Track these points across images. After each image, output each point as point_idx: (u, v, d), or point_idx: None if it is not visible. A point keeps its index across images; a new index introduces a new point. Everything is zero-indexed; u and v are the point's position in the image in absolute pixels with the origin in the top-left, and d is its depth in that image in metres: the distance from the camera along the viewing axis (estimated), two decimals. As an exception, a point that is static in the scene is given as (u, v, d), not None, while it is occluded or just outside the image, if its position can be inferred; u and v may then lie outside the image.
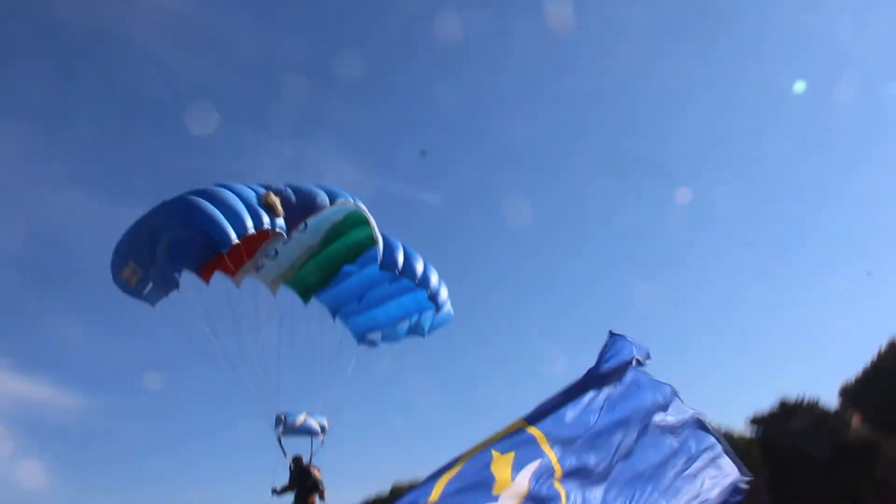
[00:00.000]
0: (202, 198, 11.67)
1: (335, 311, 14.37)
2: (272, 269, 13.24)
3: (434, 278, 14.08)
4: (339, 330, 14.77)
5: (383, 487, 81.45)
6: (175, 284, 11.89)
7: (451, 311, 14.93)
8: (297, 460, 13.45)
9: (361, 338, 14.63)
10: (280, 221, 12.03)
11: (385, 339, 14.81)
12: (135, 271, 11.79)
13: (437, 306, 14.33)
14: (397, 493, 69.67)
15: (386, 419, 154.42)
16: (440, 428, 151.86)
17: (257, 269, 12.86)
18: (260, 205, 11.87)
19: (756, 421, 39.62)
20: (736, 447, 42.48)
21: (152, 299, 12.15)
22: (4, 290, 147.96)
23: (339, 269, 13.84)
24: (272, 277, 13.50)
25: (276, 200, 12.07)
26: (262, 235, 12.24)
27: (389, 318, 14.67)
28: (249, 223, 11.52)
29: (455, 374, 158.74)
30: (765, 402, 47.98)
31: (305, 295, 14.13)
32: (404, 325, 14.68)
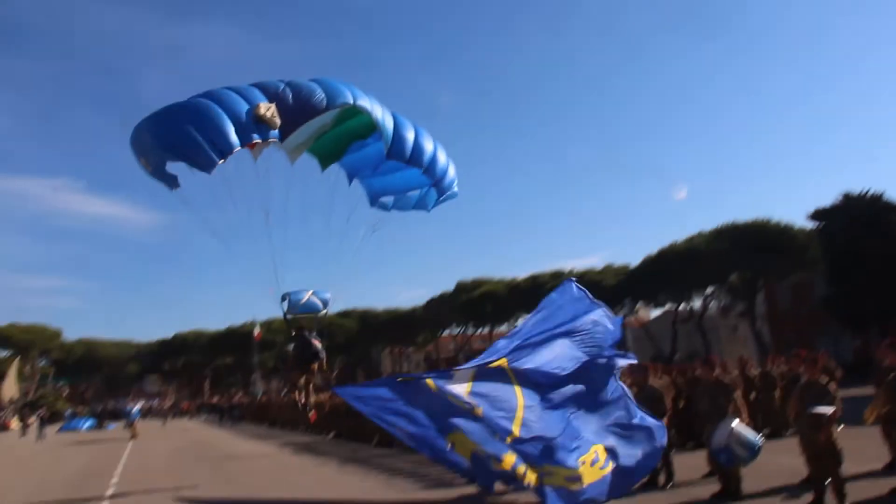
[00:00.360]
0: (187, 116, 12.02)
1: (352, 176, 14.93)
2: (289, 142, 13.30)
3: (440, 164, 14.57)
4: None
5: (448, 285, 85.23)
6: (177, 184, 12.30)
7: (457, 190, 15.60)
8: (299, 331, 14.63)
9: (374, 200, 15.29)
10: (275, 132, 12.25)
11: (395, 205, 15.47)
12: (146, 165, 12.33)
13: (442, 189, 15.11)
14: (461, 289, 73.61)
15: (451, 222, 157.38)
16: (501, 233, 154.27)
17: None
18: (252, 121, 12.05)
19: (817, 215, 39.23)
20: (796, 241, 42.98)
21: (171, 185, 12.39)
22: (75, 115, 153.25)
23: (352, 143, 14.46)
24: (291, 147, 13.78)
25: (270, 111, 12.24)
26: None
27: (400, 188, 15.54)
28: (234, 139, 11.81)
29: (516, 188, 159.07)
30: (828, 198, 47.04)
31: (324, 162, 14.70)
32: (414, 196, 15.32)
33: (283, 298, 14.34)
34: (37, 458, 26.42)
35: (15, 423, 54.99)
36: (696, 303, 52.98)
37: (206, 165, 11.80)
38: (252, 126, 12.11)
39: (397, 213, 15.73)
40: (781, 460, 11.54)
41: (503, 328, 76.03)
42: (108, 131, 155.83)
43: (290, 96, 12.67)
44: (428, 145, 14.13)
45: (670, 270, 46.71)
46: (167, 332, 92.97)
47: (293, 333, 14.87)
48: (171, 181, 12.24)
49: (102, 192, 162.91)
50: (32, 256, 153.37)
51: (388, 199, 15.43)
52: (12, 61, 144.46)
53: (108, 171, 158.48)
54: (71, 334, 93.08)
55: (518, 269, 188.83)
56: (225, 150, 11.86)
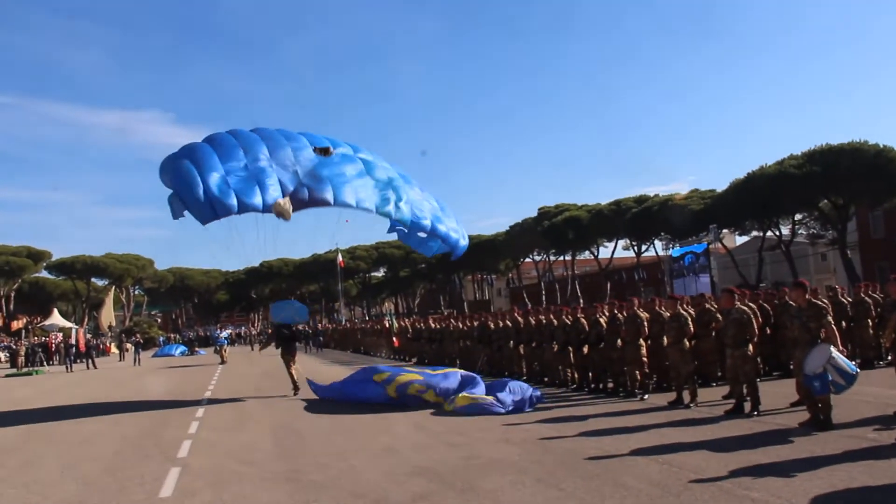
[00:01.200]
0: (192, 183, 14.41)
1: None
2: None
3: (443, 232, 17.66)
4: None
5: (530, 211, 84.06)
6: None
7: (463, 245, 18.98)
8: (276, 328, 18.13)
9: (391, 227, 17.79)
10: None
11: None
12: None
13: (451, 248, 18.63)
14: (543, 215, 72.66)
15: (533, 148, 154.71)
16: (584, 158, 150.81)
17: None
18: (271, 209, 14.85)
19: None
20: (893, 164, 40.64)
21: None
22: (164, 47, 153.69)
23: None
24: None
25: (286, 204, 14.86)
26: None
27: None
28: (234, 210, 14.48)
29: (599, 110, 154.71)
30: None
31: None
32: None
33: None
34: (137, 378, 27.48)
35: (113, 349, 57.20)
36: (784, 230, 51.46)
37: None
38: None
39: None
40: (873, 391, 11.20)
41: (585, 255, 75.50)
42: (197, 63, 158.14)
43: (307, 194, 15.20)
44: (441, 225, 17.51)
45: (758, 195, 45.22)
46: (254, 261, 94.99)
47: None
48: (176, 214, 14.69)
49: (190, 124, 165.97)
50: (125, 189, 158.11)
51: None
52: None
53: (195, 103, 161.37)
54: (162, 264, 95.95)
55: (601, 194, 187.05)
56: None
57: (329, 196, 15.27)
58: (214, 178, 14.50)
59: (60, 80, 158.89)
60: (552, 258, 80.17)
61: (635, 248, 68.45)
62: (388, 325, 33.25)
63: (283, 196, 14.86)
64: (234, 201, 14.33)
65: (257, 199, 14.54)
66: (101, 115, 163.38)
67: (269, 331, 18.03)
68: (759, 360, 12.46)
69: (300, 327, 17.98)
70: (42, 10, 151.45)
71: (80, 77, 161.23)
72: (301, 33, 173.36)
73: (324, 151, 16.19)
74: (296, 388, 17.15)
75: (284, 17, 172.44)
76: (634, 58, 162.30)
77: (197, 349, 53.00)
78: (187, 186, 14.46)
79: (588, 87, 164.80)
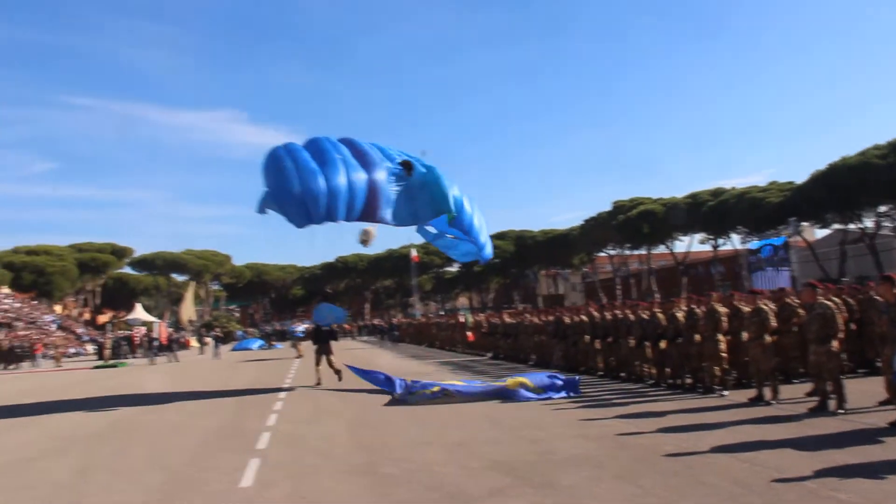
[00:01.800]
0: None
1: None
2: None
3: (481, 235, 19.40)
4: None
5: (604, 205, 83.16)
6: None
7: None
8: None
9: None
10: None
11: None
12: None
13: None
14: (618, 209, 71.69)
15: (608, 141, 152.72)
16: (659, 151, 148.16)
17: None
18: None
19: None
20: None
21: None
22: (237, 48, 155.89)
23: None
24: None
25: (372, 232, 18.53)
26: None
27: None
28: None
29: (675, 100, 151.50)
30: None
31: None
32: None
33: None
34: (217, 371, 28.07)
35: (193, 342, 58.51)
36: (868, 222, 49.87)
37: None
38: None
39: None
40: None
41: (661, 249, 74.48)
42: (271, 63, 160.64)
43: (390, 219, 16.84)
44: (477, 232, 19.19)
45: (840, 187, 44.01)
46: (329, 256, 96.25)
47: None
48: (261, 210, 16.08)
49: (265, 122, 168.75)
50: (202, 186, 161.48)
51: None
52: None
53: (270, 102, 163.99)
54: (240, 259, 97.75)
55: (676, 187, 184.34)
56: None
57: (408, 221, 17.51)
58: (313, 190, 15.44)
59: (138, 82, 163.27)
60: (627, 252, 79.27)
61: (712, 241, 67.28)
62: (462, 320, 33.29)
63: (374, 213, 16.33)
64: (325, 212, 15.54)
65: (345, 213, 15.69)
66: (179, 115, 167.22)
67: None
68: (843, 356, 12.10)
69: (335, 327, 19.34)
70: (119, 13, 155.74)
71: (157, 78, 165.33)
72: (376, 32, 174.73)
73: (407, 167, 17.08)
74: (321, 380, 18.74)
75: (359, 16, 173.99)
76: (717, 51, 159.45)
77: (274, 343, 53.85)
78: (285, 192, 15.58)
79: (668, 80, 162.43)
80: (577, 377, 15.07)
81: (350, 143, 17.18)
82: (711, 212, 60.29)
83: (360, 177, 16.08)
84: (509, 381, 14.52)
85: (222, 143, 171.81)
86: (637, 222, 67.00)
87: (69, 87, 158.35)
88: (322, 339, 19.45)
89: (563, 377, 14.62)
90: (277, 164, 16.01)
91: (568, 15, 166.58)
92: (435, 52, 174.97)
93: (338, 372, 18.81)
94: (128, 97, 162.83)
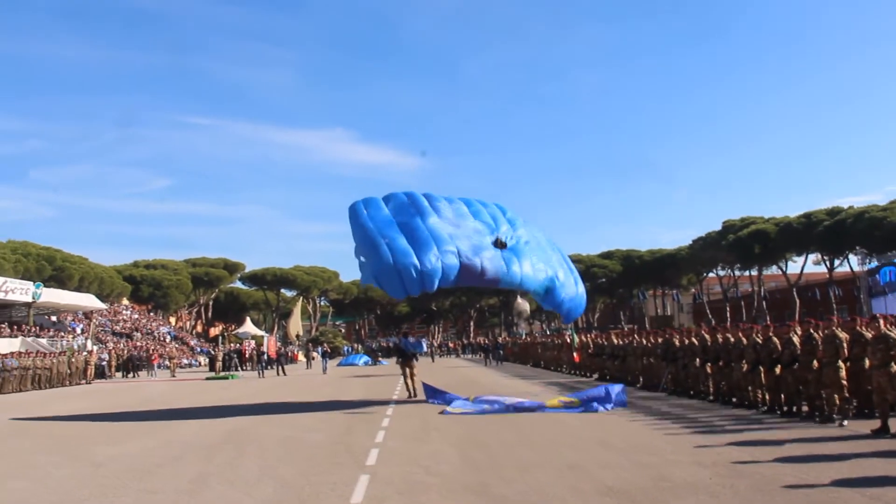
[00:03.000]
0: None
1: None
2: None
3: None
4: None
5: (714, 225, 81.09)
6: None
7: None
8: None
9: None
10: None
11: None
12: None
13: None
14: (728, 228, 69.84)
15: (717, 158, 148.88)
16: (771, 168, 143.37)
17: None
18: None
19: None
20: None
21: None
22: (347, 68, 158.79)
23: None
24: None
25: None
26: None
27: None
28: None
29: (787, 116, 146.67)
30: None
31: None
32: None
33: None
34: (324, 386, 28.56)
35: (300, 357, 59.70)
36: None
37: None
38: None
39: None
40: None
41: (773, 269, 72.43)
42: (379, 81, 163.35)
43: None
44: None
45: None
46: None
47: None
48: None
49: (373, 141, 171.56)
50: (311, 203, 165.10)
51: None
52: (288, 20, 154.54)
53: (378, 121, 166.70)
54: (347, 276, 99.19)
55: (790, 206, 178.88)
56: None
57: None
58: (410, 274, 16.65)
59: (252, 102, 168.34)
60: (737, 273, 77.36)
61: (827, 262, 65.01)
62: (568, 340, 32.98)
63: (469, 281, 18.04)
64: (420, 289, 17.07)
65: (439, 285, 17.06)
66: (289, 134, 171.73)
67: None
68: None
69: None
70: (233, 35, 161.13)
71: (271, 98, 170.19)
72: (482, 50, 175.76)
73: (501, 245, 18.15)
74: (411, 394, 20.56)
75: (465, 34, 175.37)
76: (833, 59, 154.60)
77: (380, 359, 54.46)
78: (381, 273, 16.98)
79: (775, 88, 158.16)
80: (622, 385, 17.22)
81: (434, 205, 18.69)
82: (827, 231, 58.35)
83: (452, 259, 17.03)
84: (548, 402, 16.80)
85: (333, 160, 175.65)
86: (748, 242, 65.38)
87: (186, 107, 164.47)
88: (405, 357, 21.71)
89: (609, 387, 16.64)
90: (370, 240, 17.33)
91: (706, 27, 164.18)
92: (542, 71, 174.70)
93: (413, 389, 20.67)
94: (242, 116, 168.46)
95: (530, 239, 19.34)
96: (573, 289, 19.56)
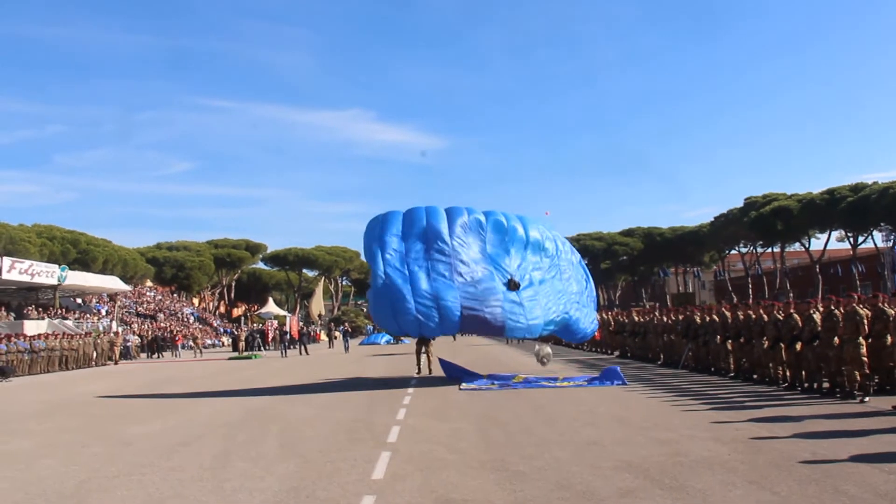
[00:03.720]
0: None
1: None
2: None
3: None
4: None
5: (736, 202, 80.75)
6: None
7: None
8: None
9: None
10: None
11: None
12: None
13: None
14: (750, 205, 69.19)
15: (741, 132, 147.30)
16: (794, 143, 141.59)
17: None
18: None
19: None
20: None
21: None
22: (365, 48, 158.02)
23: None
24: None
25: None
26: None
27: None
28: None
29: (809, 90, 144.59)
30: None
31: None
32: None
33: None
34: (347, 365, 28.79)
35: (323, 336, 60.05)
36: None
37: None
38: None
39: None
40: None
41: (795, 247, 71.95)
42: (395, 60, 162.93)
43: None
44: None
45: None
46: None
47: None
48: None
49: (392, 120, 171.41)
50: (332, 184, 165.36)
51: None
52: (306, 1, 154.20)
53: (396, 99, 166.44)
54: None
55: (813, 182, 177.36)
56: None
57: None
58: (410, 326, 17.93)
59: (271, 83, 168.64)
60: (759, 250, 76.92)
61: (851, 239, 64.48)
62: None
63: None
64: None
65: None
66: (308, 115, 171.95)
67: None
68: None
69: None
70: (252, 17, 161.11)
71: (289, 79, 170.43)
72: (495, 22, 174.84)
73: (514, 286, 18.09)
74: (420, 370, 21.37)
75: (477, 7, 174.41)
76: (859, 36, 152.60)
77: (402, 338, 54.64)
78: (384, 321, 18.66)
79: (805, 71, 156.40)
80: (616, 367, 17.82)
81: (451, 238, 18.37)
82: (851, 208, 57.86)
83: (454, 308, 17.36)
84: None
85: (351, 141, 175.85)
86: (770, 219, 64.95)
87: (207, 89, 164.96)
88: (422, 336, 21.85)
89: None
90: (377, 290, 17.85)
91: (722, 8, 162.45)
92: (555, 41, 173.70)
93: (430, 364, 21.38)
94: (262, 98, 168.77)
95: (545, 276, 19.19)
96: (588, 319, 20.03)
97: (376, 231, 18.46)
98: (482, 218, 18.82)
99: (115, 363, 38.18)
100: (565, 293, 19.21)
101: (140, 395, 19.17)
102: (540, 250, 19.36)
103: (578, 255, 21.09)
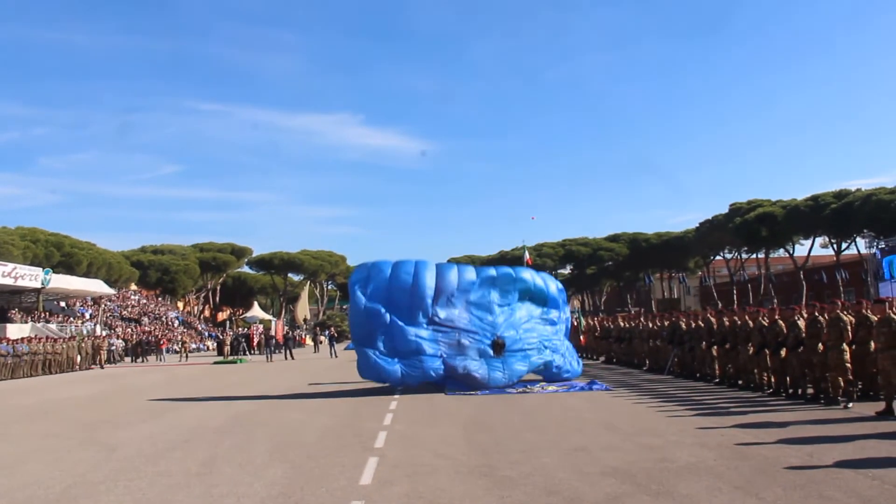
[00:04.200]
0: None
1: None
2: None
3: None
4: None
5: (721, 208, 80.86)
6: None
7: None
8: None
9: None
10: None
11: None
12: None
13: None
14: (735, 211, 69.54)
15: (723, 140, 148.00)
16: (777, 151, 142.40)
17: None
18: None
19: None
20: None
21: None
22: (353, 52, 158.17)
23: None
24: None
25: None
26: None
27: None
28: None
29: (793, 95, 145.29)
30: None
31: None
32: None
33: None
34: (332, 370, 28.87)
35: (308, 341, 59.94)
36: None
37: None
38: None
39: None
40: None
41: (779, 253, 72.36)
42: (384, 65, 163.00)
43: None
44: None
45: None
46: (442, 257, 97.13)
47: None
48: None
49: (379, 125, 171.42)
50: (318, 188, 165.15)
51: None
52: (294, 5, 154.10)
53: (384, 104, 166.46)
54: (354, 260, 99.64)
55: (797, 189, 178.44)
56: None
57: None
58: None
59: (258, 86, 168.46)
60: (744, 256, 77.33)
61: (835, 245, 64.92)
62: (575, 323, 33.07)
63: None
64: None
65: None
66: (295, 118, 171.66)
67: None
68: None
69: None
70: (240, 20, 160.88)
71: (276, 82, 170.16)
72: (487, 32, 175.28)
73: (500, 346, 18.17)
74: None
75: (470, 17, 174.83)
76: (839, 45, 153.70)
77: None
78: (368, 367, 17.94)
79: (788, 77, 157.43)
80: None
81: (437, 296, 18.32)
82: (835, 214, 58.25)
83: (436, 366, 17.69)
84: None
85: (339, 145, 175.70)
86: (755, 225, 65.33)
87: (195, 92, 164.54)
88: None
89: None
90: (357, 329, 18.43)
91: (714, 17, 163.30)
92: (551, 53, 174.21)
93: None
94: (250, 101, 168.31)
95: (534, 326, 19.21)
96: (571, 366, 19.64)
97: (359, 295, 18.35)
98: (472, 276, 18.97)
99: (102, 367, 38.00)
100: (550, 341, 19.26)
101: (125, 400, 19.10)
102: (529, 301, 19.55)
103: (557, 284, 20.73)
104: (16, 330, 40.26)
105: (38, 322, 45.55)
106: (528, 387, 17.54)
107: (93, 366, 37.81)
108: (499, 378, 17.74)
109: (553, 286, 19.87)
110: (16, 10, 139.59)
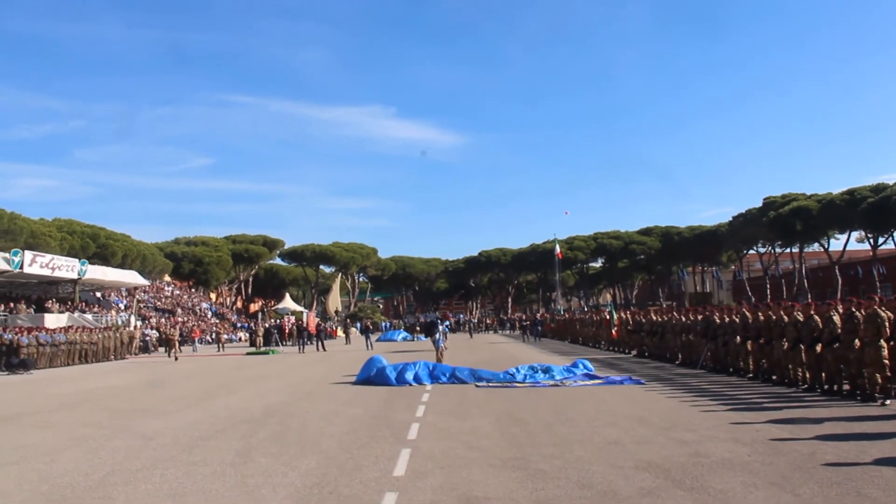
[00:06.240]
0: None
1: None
2: None
3: None
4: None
5: (755, 201, 79.79)
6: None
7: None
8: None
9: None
10: None
11: None
12: None
13: None
14: (769, 205, 68.70)
15: (758, 132, 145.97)
16: (813, 143, 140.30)
17: None
18: None
19: None
20: None
21: None
22: (385, 44, 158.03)
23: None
24: None
25: None
26: None
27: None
28: None
29: (832, 85, 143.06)
30: None
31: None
32: None
33: None
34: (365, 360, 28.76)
35: (339, 332, 60.20)
36: None
37: None
38: None
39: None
40: None
41: (814, 247, 71.52)
42: (415, 57, 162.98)
43: None
44: None
45: None
46: (472, 250, 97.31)
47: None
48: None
49: (411, 117, 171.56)
50: (350, 180, 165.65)
51: None
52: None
53: (416, 97, 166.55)
54: (385, 252, 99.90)
55: (833, 182, 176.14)
56: None
57: None
58: None
59: (291, 79, 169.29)
60: (778, 250, 76.52)
61: (871, 240, 64.06)
62: (608, 317, 32.96)
63: None
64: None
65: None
66: (328, 111, 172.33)
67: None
68: None
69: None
70: (273, 14, 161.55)
71: (309, 75, 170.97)
72: (514, 18, 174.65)
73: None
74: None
75: (499, 6, 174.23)
76: (875, 34, 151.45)
77: (417, 335, 54.70)
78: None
79: (826, 69, 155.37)
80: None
81: None
82: (871, 208, 57.45)
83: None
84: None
85: (371, 137, 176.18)
86: (789, 219, 64.60)
87: (226, 85, 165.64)
88: (431, 332, 27.20)
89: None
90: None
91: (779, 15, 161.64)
92: (573, 41, 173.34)
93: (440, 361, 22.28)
94: (281, 94, 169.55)
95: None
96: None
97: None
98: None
99: (135, 355, 38.41)
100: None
101: (160, 390, 19.33)
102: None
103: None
104: (53, 320, 40.79)
105: (75, 312, 46.11)
106: (562, 380, 17.49)
107: (126, 355, 38.22)
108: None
109: None
110: (53, 5, 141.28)
